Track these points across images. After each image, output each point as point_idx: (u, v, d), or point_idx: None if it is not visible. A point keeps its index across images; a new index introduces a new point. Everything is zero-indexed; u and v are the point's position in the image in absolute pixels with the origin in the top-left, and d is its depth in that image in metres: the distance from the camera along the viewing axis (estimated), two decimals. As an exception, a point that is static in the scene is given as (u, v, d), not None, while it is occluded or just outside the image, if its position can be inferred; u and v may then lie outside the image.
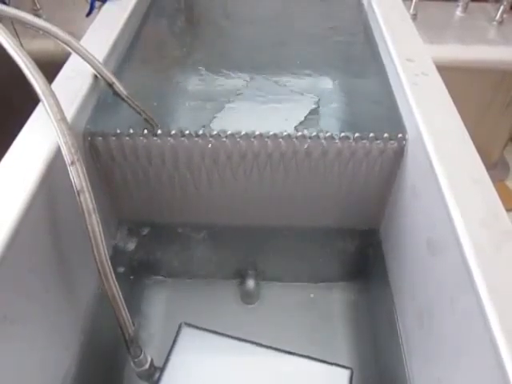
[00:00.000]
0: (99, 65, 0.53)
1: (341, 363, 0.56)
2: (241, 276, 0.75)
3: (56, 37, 0.50)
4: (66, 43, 0.51)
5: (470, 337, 0.37)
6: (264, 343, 0.57)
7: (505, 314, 0.33)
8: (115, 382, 0.64)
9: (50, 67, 0.50)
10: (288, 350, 0.57)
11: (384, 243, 0.65)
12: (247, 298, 0.74)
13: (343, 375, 0.55)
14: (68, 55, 0.59)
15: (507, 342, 0.31)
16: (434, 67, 0.59)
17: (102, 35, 0.65)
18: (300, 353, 0.57)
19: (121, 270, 0.68)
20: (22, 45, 0.42)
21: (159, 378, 0.54)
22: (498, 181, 1.35)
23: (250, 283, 0.74)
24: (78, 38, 0.56)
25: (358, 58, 0.69)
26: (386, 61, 0.66)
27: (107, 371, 0.62)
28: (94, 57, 0.53)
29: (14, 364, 0.42)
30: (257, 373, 0.56)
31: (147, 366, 0.52)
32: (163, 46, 0.75)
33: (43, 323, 0.46)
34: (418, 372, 0.50)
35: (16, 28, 0.77)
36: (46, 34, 0.49)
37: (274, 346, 0.57)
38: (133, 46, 0.71)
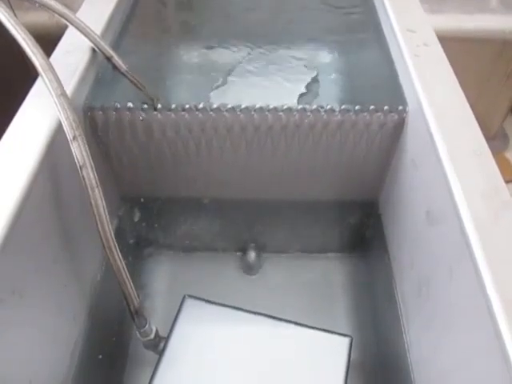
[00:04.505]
0: (97, 38, 0.53)
1: (341, 331, 0.58)
2: (242, 248, 0.77)
3: (52, 9, 0.48)
4: (62, 16, 0.50)
5: (467, 305, 0.38)
6: (265, 313, 0.59)
7: (502, 283, 0.34)
8: (122, 352, 0.66)
9: (45, 40, 0.49)
10: (289, 319, 0.58)
11: (383, 214, 0.66)
12: (249, 269, 0.76)
13: (343, 343, 0.57)
14: (63, 28, 0.58)
15: (504, 310, 0.32)
16: (435, 38, 0.58)
17: (98, 8, 0.64)
18: (300, 322, 0.58)
19: (125, 243, 0.69)
20: (16, 17, 0.41)
21: (164, 348, 0.56)
22: (496, 152, 1.35)
23: (252, 255, 0.75)
24: (74, 10, 0.55)
25: (358, 28, 0.68)
26: (386, 31, 0.65)
27: (114, 341, 0.64)
28: (91, 30, 0.52)
29: (26, 338, 0.42)
30: (258, 342, 0.57)
31: (152, 335, 0.53)
32: (161, 17, 0.74)
33: (51, 296, 0.47)
34: (417, 339, 0.52)
35: (10, 0, 0.75)
36: (42, 6, 0.48)
37: (275, 315, 0.59)
38: (130, 18, 0.69)
